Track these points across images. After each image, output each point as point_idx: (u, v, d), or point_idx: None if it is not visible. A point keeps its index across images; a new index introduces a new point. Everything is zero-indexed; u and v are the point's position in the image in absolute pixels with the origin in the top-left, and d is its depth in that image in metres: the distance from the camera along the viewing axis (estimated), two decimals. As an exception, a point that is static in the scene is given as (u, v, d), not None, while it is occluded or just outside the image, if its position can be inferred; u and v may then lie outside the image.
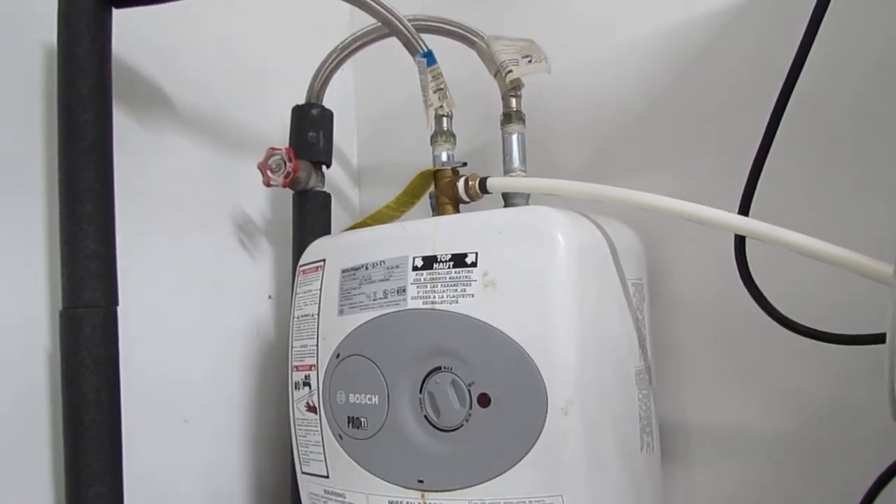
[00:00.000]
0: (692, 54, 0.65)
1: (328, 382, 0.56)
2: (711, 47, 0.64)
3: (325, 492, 0.57)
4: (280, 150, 0.67)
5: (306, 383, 0.58)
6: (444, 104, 0.59)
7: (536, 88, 0.63)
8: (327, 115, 0.73)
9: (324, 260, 0.58)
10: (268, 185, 0.66)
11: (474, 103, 0.65)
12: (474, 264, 0.49)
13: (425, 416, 0.51)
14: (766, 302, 0.50)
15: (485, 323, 0.48)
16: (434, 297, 0.50)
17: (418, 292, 0.51)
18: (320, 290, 0.58)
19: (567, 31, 0.72)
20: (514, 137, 0.61)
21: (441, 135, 0.61)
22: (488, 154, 0.67)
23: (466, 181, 0.57)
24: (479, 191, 0.57)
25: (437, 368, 0.50)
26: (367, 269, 0.54)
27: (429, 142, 0.61)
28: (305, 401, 0.58)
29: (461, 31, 0.65)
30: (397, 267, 0.53)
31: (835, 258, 0.41)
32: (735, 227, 0.46)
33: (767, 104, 0.49)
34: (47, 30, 0.53)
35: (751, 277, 0.50)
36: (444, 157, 0.61)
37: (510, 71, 0.58)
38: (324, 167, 0.73)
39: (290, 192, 0.72)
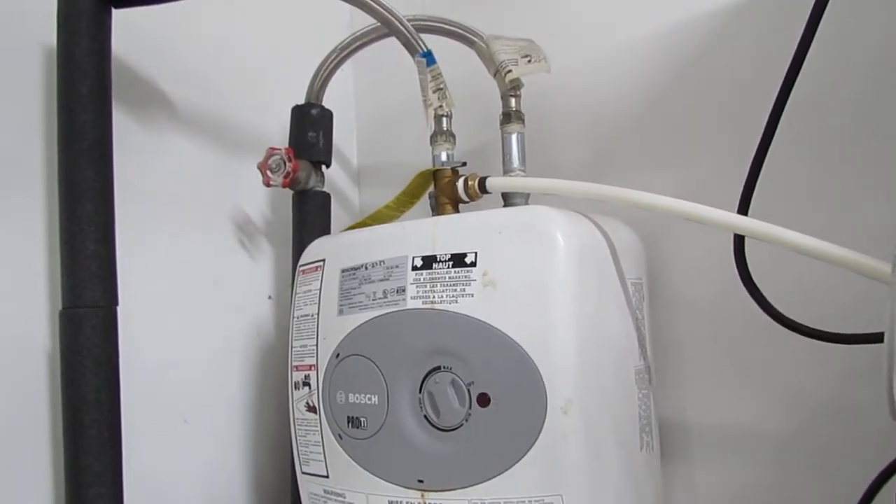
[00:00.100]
0: (692, 54, 0.65)
1: (328, 382, 0.56)
2: (711, 47, 0.64)
3: (325, 491, 0.57)
4: (280, 150, 0.67)
5: (306, 383, 0.58)
6: (444, 104, 0.59)
7: (536, 88, 0.63)
8: (327, 115, 0.73)
9: (323, 260, 0.58)
10: (267, 185, 0.66)
11: (474, 103, 0.65)
12: (474, 264, 0.49)
13: (425, 416, 0.51)
14: (766, 301, 0.50)
15: (484, 323, 0.48)
16: (434, 297, 0.50)
17: (418, 292, 0.51)
18: (320, 289, 0.58)
19: (567, 31, 0.72)
20: (514, 137, 0.61)
21: (441, 135, 0.61)
22: (488, 154, 0.67)
23: (466, 181, 0.57)
24: (478, 190, 0.57)
25: (437, 368, 0.50)
26: (366, 268, 0.55)
27: (428, 142, 0.61)
28: (305, 401, 0.58)
29: (461, 31, 0.65)
30: (397, 267, 0.53)
31: (834, 257, 0.41)
32: (734, 227, 0.46)
33: (767, 104, 0.49)
34: (47, 30, 0.53)
35: (750, 277, 0.50)
36: (443, 157, 0.61)
37: (509, 71, 0.58)
38: (323, 167, 0.73)
39: (289, 192, 0.72)
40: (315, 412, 0.57)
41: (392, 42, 0.62)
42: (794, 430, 0.59)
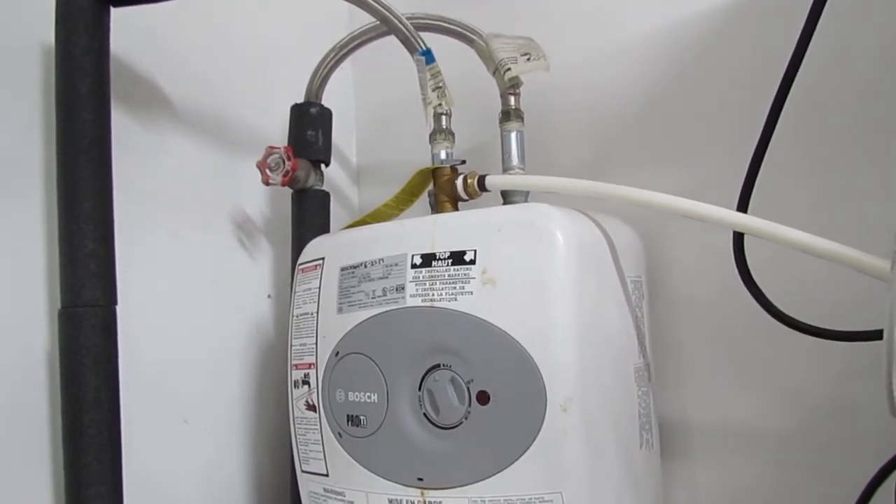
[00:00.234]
0: (692, 52, 0.65)
1: (327, 381, 0.56)
2: (711, 44, 0.64)
3: (325, 490, 0.57)
4: (279, 148, 0.66)
5: (305, 382, 0.58)
6: (443, 102, 0.59)
7: (535, 86, 0.63)
8: (326, 114, 0.72)
9: (323, 258, 0.58)
10: (266, 183, 0.66)
11: (473, 101, 0.65)
12: (473, 262, 0.49)
13: (424, 414, 0.51)
14: (766, 299, 0.50)
15: (484, 320, 0.48)
16: (433, 295, 0.50)
17: (417, 290, 0.51)
18: (319, 288, 0.58)
19: (566, 29, 0.72)
20: (513, 135, 0.61)
21: (440, 133, 0.61)
22: (487, 152, 0.67)
23: (465, 179, 0.57)
24: (477, 189, 0.57)
25: (437, 366, 0.50)
26: (365, 267, 0.54)
27: (428, 140, 0.61)
28: (305, 399, 0.58)
29: (460, 29, 0.65)
30: (396, 265, 0.53)
31: (833, 255, 0.41)
32: (734, 224, 0.46)
33: (766, 101, 0.49)
34: (45, 29, 0.53)
35: (749, 275, 0.50)
36: (442, 155, 0.61)
37: (509, 69, 0.58)
38: (323, 166, 0.73)
39: (289, 191, 0.72)
40: (315, 411, 0.57)
41: (391, 40, 0.62)
42: (794, 427, 0.59)
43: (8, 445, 0.51)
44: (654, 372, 0.58)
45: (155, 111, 0.65)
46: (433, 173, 0.59)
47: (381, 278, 0.53)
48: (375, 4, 0.59)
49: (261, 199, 0.76)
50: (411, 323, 0.51)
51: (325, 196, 0.72)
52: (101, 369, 0.51)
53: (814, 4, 0.46)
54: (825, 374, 0.58)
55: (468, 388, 0.49)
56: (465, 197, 0.58)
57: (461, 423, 0.49)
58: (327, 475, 0.56)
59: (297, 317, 0.59)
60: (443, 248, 0.51)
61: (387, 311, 0.52)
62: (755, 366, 0.61)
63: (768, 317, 0.50)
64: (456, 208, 0.58)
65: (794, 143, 0.55)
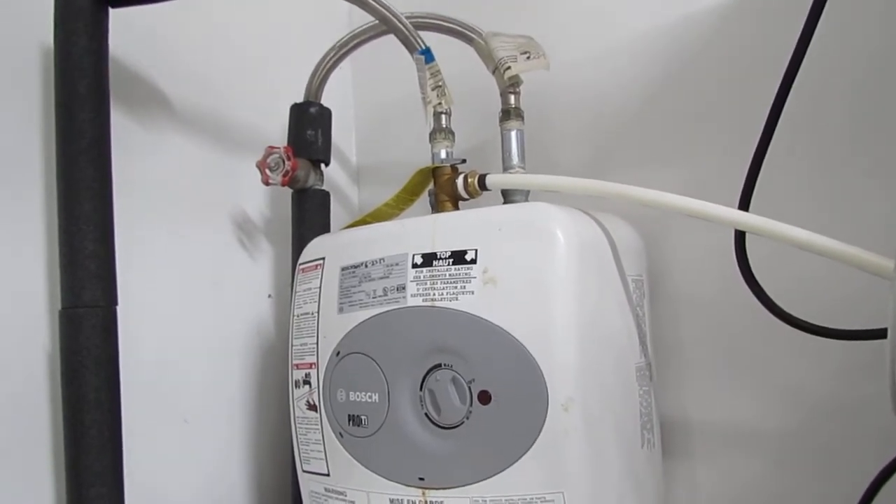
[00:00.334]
0: (692, 50, 0.65)
1: (328, 380, 0.56)
2: (711, 42, 0.64)
3: (326, 490, 0.57)
4: (278, 148, 0.66)
5: (306, 381, 0.58)
6: (443, 101, 0.59)
7: (535, 85, 0.63)
8: (326, 114, 0.72)
9: (323, 258, 0.58)
10: (266, 183, 0.66)
11: (473, 100, 0.65)
12: (474, 261, 0.49)
13: (426, 414, 0.51)
14: (767, 297, 0.50)
15: (485, 320, 0.48)
16: (434, 295, 0.50)
17: (418, 290, 0.51)
18: (320, 288, 0.57)
19: (566, 27, 0.72)
20: (513, 134, 0.61)
21: (440, 132, 0.60)
22: (487, 151, 0.67)
23: (465, 178, 0.57)
24: (478, 188, 0.57)
25: (438, 366, 0.50)
26: (366, 266, 0.54)
27: (427, 139, 0.61)
28: (306, 399, 0.58)
29: (459, 28, 0.65)
30: (397, 264, 0.53)
31: (835, 253, 0.41)
32: (735, 223, 0.46)
33: (767, 99, 0.49)
34: (45, 29, 0.53)
35: (751, 273, 0.50)
36: (442, 155, 0.60)
37: (508, 67, 0.58)
38: (322, 165, 0.72)
39: (289, 191, 0.72)
40: (315, 410, 0.57)
41: (390, 40, 0.62)
42: (795, 426, 0.59)
43: (9, 446, 0.51)
44: (655, 371, 0.58)
45: (154, 111, 0.65)
46: (433, 172, 0.59)
47: (381, 278, 0.53)
48: (375, 4, 0.59)
49: (261, 199, 0.76)
50: (412, 323, 0.51)
51: (326, 196, 0.72)
52: (102, 370, 0.51)
53: (814, 5, 0.46)
54: (827, 373, 0.58)
55: (469, 388, 0.49)
56: (465, 196, 0.58)
57: (462, 422, 0.49)
58: (328, 475, 0.56)
59: (297, 316, 0.59)
60: (443, 247, 0.51)
61: (388, 311, 0.52)
62: (756, 364, 0.61)
63: (770, 315, 0.50)
64: (456, 207, 0.58)
65: (795, 141, 0.55)
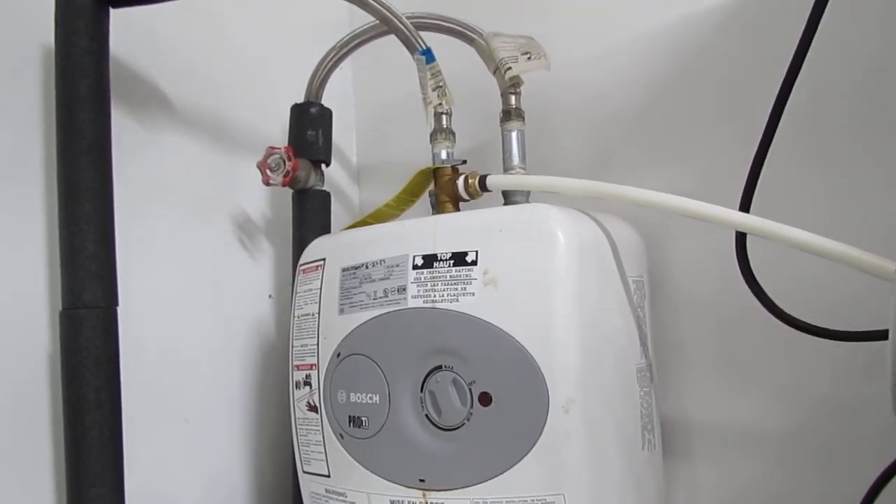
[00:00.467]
0: (693, 50, 0.65)
1: (329, 382, 0.56)
2: (712, 42, 0.64)
3: (327, 491, 0.57)
4: (279, 148, 0.66)
5: (307, 382, 0.58)
6: (444, 102, 0.59)
7: (536, 85, 0.63)
8: (326, 114, 0.72)
9: (324, 259, 0.58)
10: (267, 184, 0.66)
11: (473, 100, 0.64)
12: (475, 263, 0.49)
13: (426, 415, 0.51)
14: (768, 299, 0.50)
15: (485, 321, 0.48)
16: (434, 296, 0.50)
17: (419, 291, 0.51)
18: (320, 289, 0.57)
19: (567, 28, 0.71)
20: (514, 135, 0.60)
21: (440, 132, 0.60)
22: (488, 151, 0.67)
23: (466, 179, 0.57)
24: (479, 189, 0.57)
25: (438, 367, 0.50)
26: (367, 267, 0.54)
27: (428, 139, 0.61)
28: (306, 400, 0.58)
29: (460, 28, 0.65)
30: (397, 265, 0.53)
31: (836, 254, 0.41)
32: (736, 224, 0.46)
33: (767, 99, 0.49)
34: (45, 29, 0.53)
35: (752, 274, 0.50)
36: (443, 155, 0.60)
37: (509, 68, 0.58)
38: (323, 166, 0.72)
39: (289, 191, 0.72)
40: (316, 411, 0.57)
41: (391, 40, 0.62)
42: (795, 427, 0.59)
43: (9, 446, 0.51)
44: (656, 372, 0.58)
45: (155, 111, 0.65)
46: (434, 173, 0.59)
47: (382, 279, 0.53)
48: (375, 4, 0.59)
49: (261, 200, 0.76)
50: (413, 324, 0.51)
51: (326, 196, 0.72)
52: (102, 370, 0.51)
53: (816, 5, 0.46)
54: (827, 374, 0.58)
55: (470, 390, 0.49)
56: (466, 197, 0.58)
57: (463, 424, 0.49)
58: (329, 476, 0.56)
59: (298, 317, 0.59)
60: (444, 248, 0.51)
61: (388, 313, 0.52)
62: (757, 365, 0.61)
63: (770, 316, 0.50)
64: (457, 208, 0.58)
65: (796, 141, 0.55)
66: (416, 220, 0.54)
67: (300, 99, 0.72)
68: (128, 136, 0.61)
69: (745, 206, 0.50)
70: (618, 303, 0.52)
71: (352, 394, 0.54)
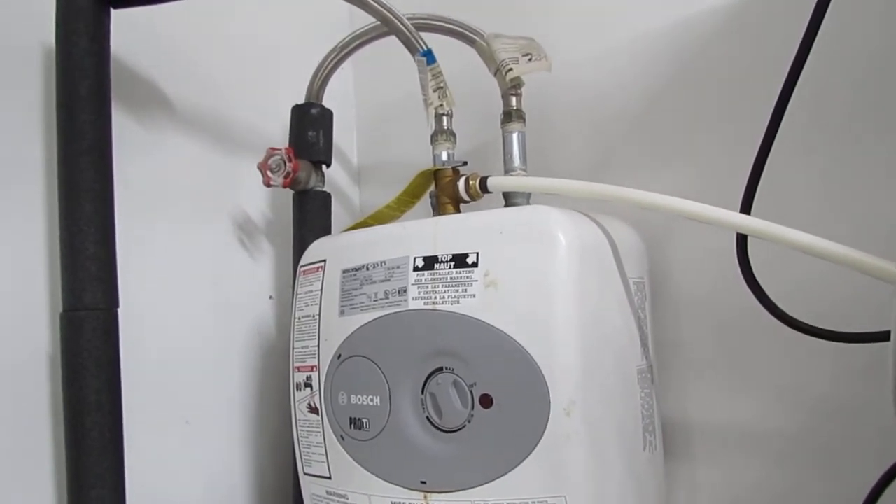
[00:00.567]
0: (694, 50, 0.65)
1: (329, 383, 0.56)
2: (713, 43, 0.64)
3: (328, 493, 0.56)
4: (280, 149, 0.66)
5: (308, 384, 0.58)
6: (444, 103, 0.59)
7: (537, 87, 0.62)
8: (327, 115, 0.72)
9: (324, 260, 0.58)
10: (268, 185, 0.66)
11: (474, 102, 0.64)
12: (475, 264, 0.49)
13: (427, 417, 0.51)
14: (769, 300, 0.50)
15: (486, 323, 0.48)
16: (435, 298, 0.50)
17: (419, 293, 0.51)
18: (321, 290, 0.57)
19: (568, 29, 0.71)
20: (515, 136, 0.60)
21: (441, 134, 0.60)
22: (489, 153, 0.67)
23: (467, 180, 0.57)
24: (479, 190, 0.57)
25: (439, 369, 0.50)
26: (367, 269, 0.54)
27: (429, 141, 0.61)
28: (307, 402, 0.58)
29: (461, 30, 0.65)
30: (398, 267, 0.52)
31: (837, 256, 0.41)
32: (737, 226, 0.46)
33: (768, 99, 0.49)
34: (46, 30, 0.53)
35: (753, 276, 0.50)
36: (444, 157, 0.60)
37: (510, 69, 0.58)
38: (324, 167, 0.72)
39: (290, 192, 0.72)
40: (317, 413, 0.57)
41: (392, 41, 0.62)
42: (796, 428, 0.59)
43: (10, 448, 0.51)
44: (656, 373, 0.58)
45: (155, 111, 0.65)
46: (435, 175, 0.59)
47: (383, 281, 0.53)
48: (376, 5, 0.59)
49: (262, 201, 0.76)
50: (413, 326, 0.51)
51: (327, 197, 0.72)
52: (103, 372, 0.51)
53: (817, 5, 0.46)
54: (827, 375, 0.58)
55: (471, 392, 0.49)
56: (466, 198, 0.58)
57: (464, 426, 0.49)
58: (330, 478, 0.56)
59: (298, 319, 0.59)
60: (445, 250, 0.51)
61: (389, 314, 0.52)
62: (757, 367, 0.61)
63: (771, 318, 0.50)
64: (458, 210, 0.58)
65: (797, 143, 0.55)
66: (417, 222, 0.54)
67: (301, 100, 0.72)
68: (128, 136, 0.61)
69: (746, 208, 0.49)
70: (618, 304, 0.52)
71: (353, 395, 0.54)
